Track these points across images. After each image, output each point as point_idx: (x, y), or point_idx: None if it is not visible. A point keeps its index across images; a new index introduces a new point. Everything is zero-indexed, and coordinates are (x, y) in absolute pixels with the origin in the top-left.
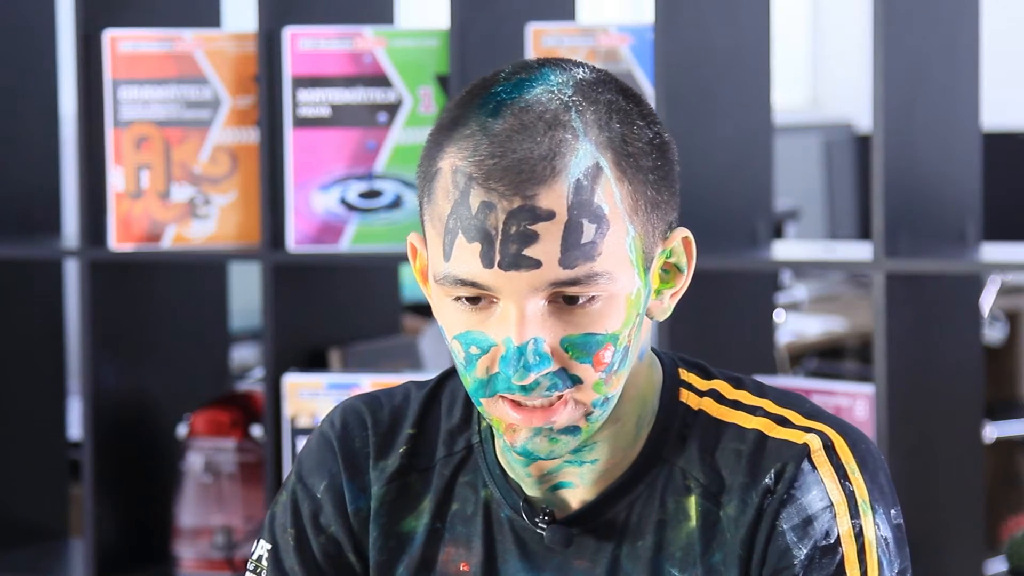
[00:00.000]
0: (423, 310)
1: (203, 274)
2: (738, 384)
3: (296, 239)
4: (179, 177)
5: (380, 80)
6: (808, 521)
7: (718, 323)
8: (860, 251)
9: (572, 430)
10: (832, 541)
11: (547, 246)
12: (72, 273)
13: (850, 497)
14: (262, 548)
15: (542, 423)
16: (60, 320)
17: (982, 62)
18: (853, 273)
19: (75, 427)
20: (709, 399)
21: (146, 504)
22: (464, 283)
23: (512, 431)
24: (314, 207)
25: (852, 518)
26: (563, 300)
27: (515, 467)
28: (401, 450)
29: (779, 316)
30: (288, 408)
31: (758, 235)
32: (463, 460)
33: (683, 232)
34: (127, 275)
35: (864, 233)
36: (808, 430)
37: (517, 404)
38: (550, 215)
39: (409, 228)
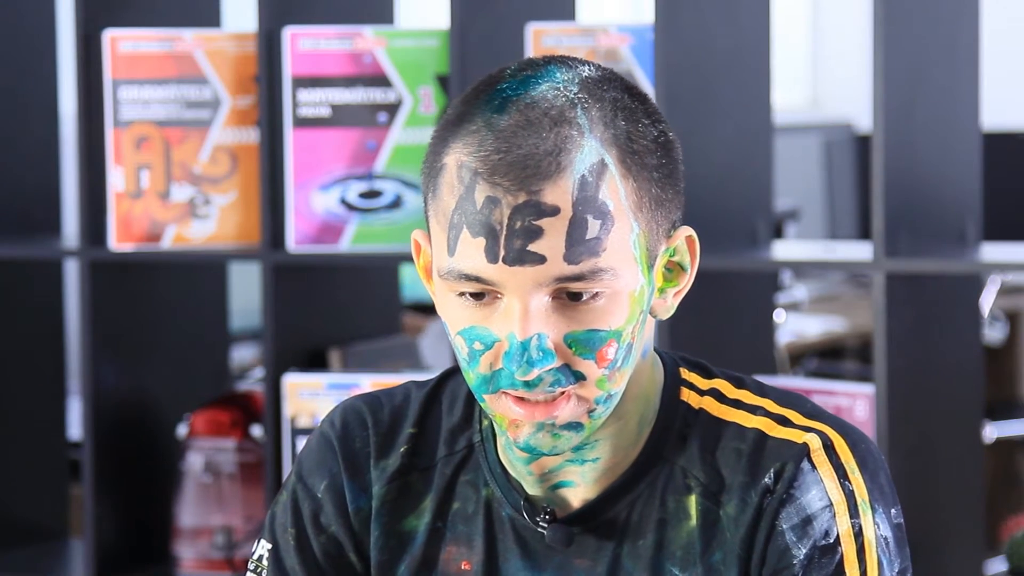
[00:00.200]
0: (423, 309)
1: (203, 274)
2: (739, 383)
3: (296, 239)
4: (179, 177)
5: (380, 80)
6: (808, 521)
7: (718, 323)
8: (860, 251)
9: (575, 426)
10: (831, 541)
11: (552, 242)
12: (72, 273)
13: (850, 497)
14: (262, 548)
15: (544, 418)
16: (60, 320)
17: (982, 62)
18: (853, 273)
19: (75, 427)
20: (710, 398)
21: (146, 504)
22: (468, 278)
23: (515, 427)
24: (314, 207)
25: (852, 518)
26: (567, 296)
27: (516, 466)
28: (402, 449)
29: (779, 316)
30: (288, 408)
31: (758, 235)
32: (464, 459)
33: (687, 231)
34: (127, 275)
35: (864, 233)
36: (808, 430)
37: (520, 399)
38: (555, 211)
39: (409, 228)
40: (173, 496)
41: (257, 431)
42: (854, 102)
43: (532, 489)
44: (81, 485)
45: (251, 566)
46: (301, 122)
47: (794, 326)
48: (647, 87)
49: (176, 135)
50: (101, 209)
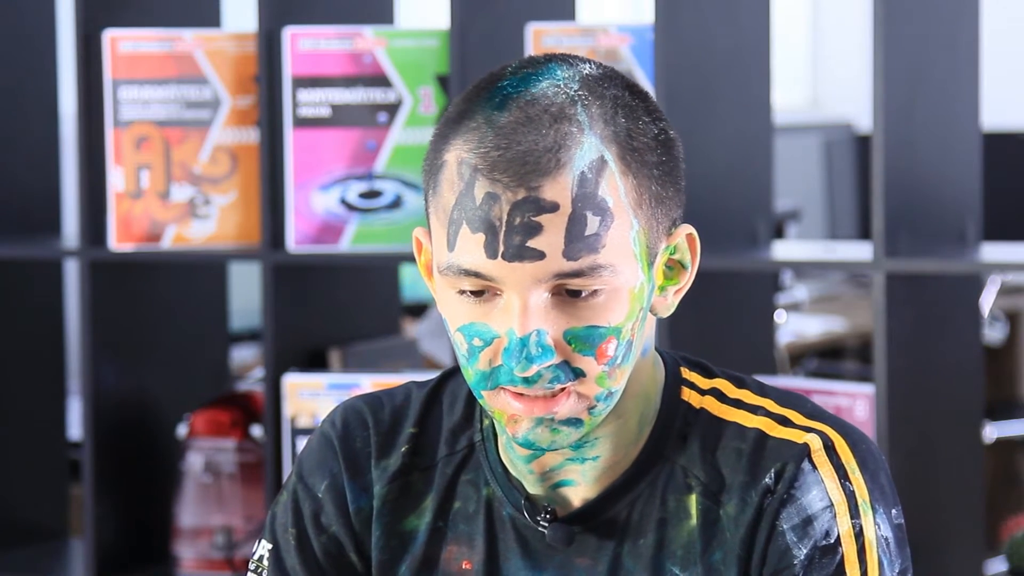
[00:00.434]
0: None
1: (203, 274)
2: (740, 383)
3: (296, 239)
4: (179, 177)
5: (380, 80)
6: (808, 521)
7: (718, 323)
8: (860, 251)
9: (574, 422)
10: (832, 541)
11: (551, 238)
12: (72, 273)
13: (850, 497)
14: (263, 548)
15: (544, 413)
16: (60, 320)
17: (982, 62)
18: (853, 273)
19: (75, 427)
20: (711, 397)
21: (146, 504)
22: (468, 274)
23: (514, 422)
24: (314, 207)
25: (852, 518)
26: (566, 293)
27: (517, 465)
28: (403, 449)
29: (780, 317)
30: (288, 408)
31: (758, 235)
32: (465, 458)
33: (687, 229)
34: (127, 275)
35: (864, 233)
36: (809, 430)
37: (519, 395)
38: (554, 207)
39: (409, 228)
40: (173, 496)
41: (257, 431)
42: (854, 102)
43: (533, 488)
44: (81, 485)
45: (251, 566)
46: (301, 122)
47: (794, 326)
48: (647, 87)
49: (176, 135)
50: (101, 209)
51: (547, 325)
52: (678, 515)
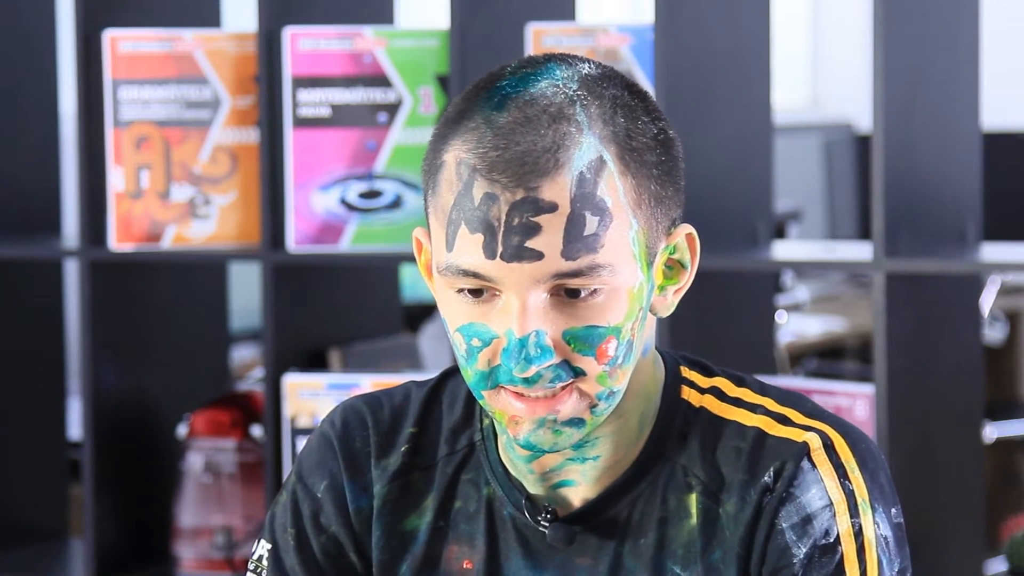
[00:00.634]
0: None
1: (203, 274)
2: (739, 382)
3: (296, 239)
4: (179, 177)
5: (380, 80)
6: (807, 520)
7: (718, 323)
8: (860, 251)
9: (576, 422)
10: (831, 540)
11: (549, 238)
12: (72, 273)
13: (849, 496)
14: (262, 548)
15: (546, 413)
16: (60, 320)
17: (982, 62)
18: (853, 273)
19: (75, 427)
20: (710, 396)
21: (146, 504)
22: (466, 274)
23: (515, 423)
24: (314, 207)
25: (852, 517)
26: (565, 293)
27: (517, 464)
28: (403, 449)
29: (781, 317)
30: (288, 408)
31: (758, 235)
32: (465, 458)
33: (687, 228)
34: (127, 275)
35: (864, 233)
36: (808, 429)
37: (520, 395)
38: (553, 207)
39: (409, 228)
40: (173, 496)
41: (257, 431)
42: (854, 102)
43: (533, 488)
44: (81, 485)
45: (251, 566)
46: (301, 122)
47: (794, 326)
48: (647, 87)
49: (176, 135)
50: (101, 209)
51: (546, 325)
52: (679, 514)
